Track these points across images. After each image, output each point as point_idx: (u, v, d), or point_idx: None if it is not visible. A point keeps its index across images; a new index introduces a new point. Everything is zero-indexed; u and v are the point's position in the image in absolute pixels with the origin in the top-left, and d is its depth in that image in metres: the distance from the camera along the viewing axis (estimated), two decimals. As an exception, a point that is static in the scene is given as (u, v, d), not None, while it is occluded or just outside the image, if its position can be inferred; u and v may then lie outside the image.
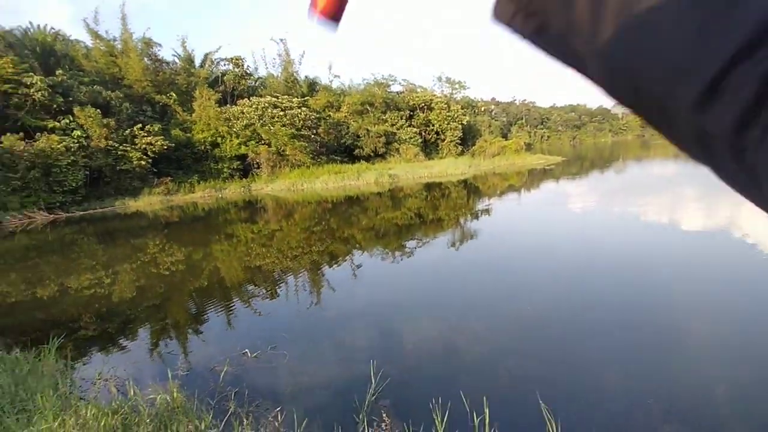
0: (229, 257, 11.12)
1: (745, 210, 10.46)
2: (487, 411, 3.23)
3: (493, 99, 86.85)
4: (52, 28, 29.52)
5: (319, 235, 13.04)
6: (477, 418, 3.26)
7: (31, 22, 30.91)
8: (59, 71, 25.95)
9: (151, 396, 3.74)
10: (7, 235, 17.78)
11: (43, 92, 23.82)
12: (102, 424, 3.11)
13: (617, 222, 11.50)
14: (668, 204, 13.14)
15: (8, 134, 21.67)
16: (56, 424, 3.09)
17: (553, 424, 3.04)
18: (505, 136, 58.54)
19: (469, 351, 4.92)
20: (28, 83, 23.60)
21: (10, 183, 21.10)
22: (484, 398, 3.40)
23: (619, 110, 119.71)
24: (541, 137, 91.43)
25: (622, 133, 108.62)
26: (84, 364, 5.23)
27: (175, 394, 3.68)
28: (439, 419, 3.21)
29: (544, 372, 4.24)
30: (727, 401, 3.63)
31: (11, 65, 23.20)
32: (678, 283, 6.53)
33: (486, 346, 4.99)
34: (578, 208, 14.22)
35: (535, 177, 26.08)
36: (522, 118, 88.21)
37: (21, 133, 22.38)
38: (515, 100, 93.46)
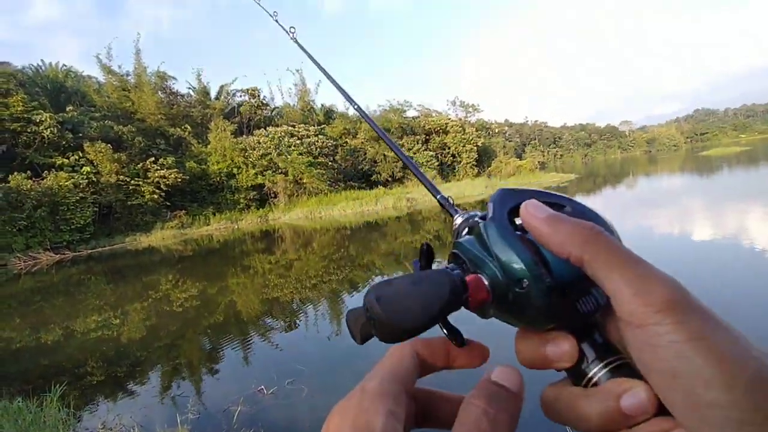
0: (245, 290, 10.75)
1: (752, 219, 10.87)
2: None
3: (506, 121, 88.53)
4: (64, 65, 29.43)
5: (338, 262, 12.53)
6: None
7: (42, 60, 30.92)
8: (69, 107, 25.63)
9: None
10: (11, 277, 16.92)
11: (52, 129, 23.27)
12: None
13: (632, 235, 11.13)
14: (678, 216, 13.21)
15: (15, 174, 20.91)
16: None
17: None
18: (519, 157, 59.72)
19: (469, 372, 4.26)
20: (37, 120, 23.06)
21: (16, 223, 20.15)
22: None
23: (626, 128, 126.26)
24: (554, 156, 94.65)
25: (630, 149, 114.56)
26: (89, 412, 4.98)
27: None
28: None
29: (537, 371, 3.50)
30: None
31: (21, 104, 22.85)
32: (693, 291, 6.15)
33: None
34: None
35: None
36: (535, 138, 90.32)
37: (28, 172, 21.66)
38: (527, 121, 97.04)
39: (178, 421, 4.09)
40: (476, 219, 0.43)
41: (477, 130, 45.09)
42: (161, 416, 4.60)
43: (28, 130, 23.00)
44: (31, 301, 12.39)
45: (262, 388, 4.82)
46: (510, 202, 0.38)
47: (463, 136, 41.28)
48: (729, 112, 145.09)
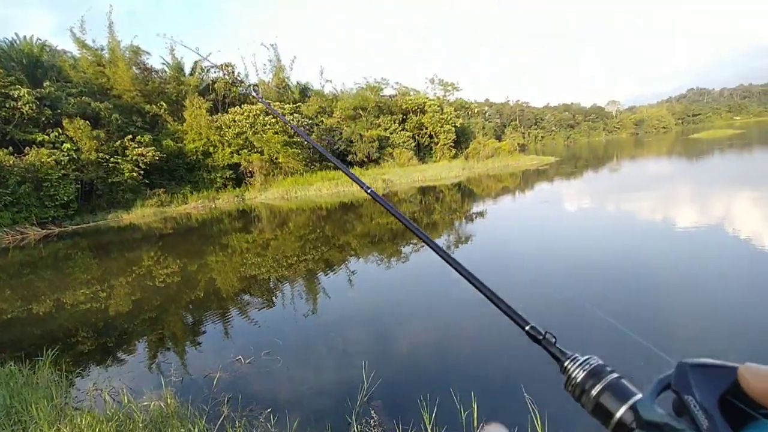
0: (224, 267, 11.08)
1: (738, 206, 10.87)
2: (475, 406, 3.30)
3: (487, 100, 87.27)
4: (39, 39, 29.16)
5: (314, 242, 12.94)
6: (465, 413, 3.33)
7: (17, 34, 30.62)
8: (47, 83, 25.62)
9: (146, 403, 3.77)
10: (0, 251, 17.46)
11: (30, 105, 23.50)
12: (96, 431, 3.15)
13: (609, 220, 11.57)
14: (661, 201, 13.19)
15: (-3, 149, 21.32)
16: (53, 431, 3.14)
17: (537, 416, 3.08)
18: (499, 138, 58.43)
19: (459, 351, 5.04)
20: (15, 96, 23.29)
21: (1, 198, 20.76)
22: (472, 394, 3.48)
23: (613, 108, 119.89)
24: (535, 138, 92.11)
25: (616, 131, 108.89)
26: (79, 376, 5.26)
27: (169, 401, 3.72)
28: (427, 415, 3.28)
29: (529, 368, 4.31)
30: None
31: (-2, 78, 22.88)
32: (672, 277, 6.57)
33: (475, 346, 5.11)
34: (571, 207, 14.22)
35: (529, 178, 25.95)
36: (516, 119, 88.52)
37: (10, 147, 22.11)
38: (509, 100, 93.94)
39: (163, 383, 4.22)
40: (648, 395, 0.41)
41: (455, 110, 44.27)
42: (147, 381, 4.86)
43: (7, 106, 23.18)
44: (20, 274, 12.67)
45: (240, 358, 5.10)
46: (715, 386, 0.35)
47: (441, 116, 40.71)
48: (724, 93, 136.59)
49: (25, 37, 28.85)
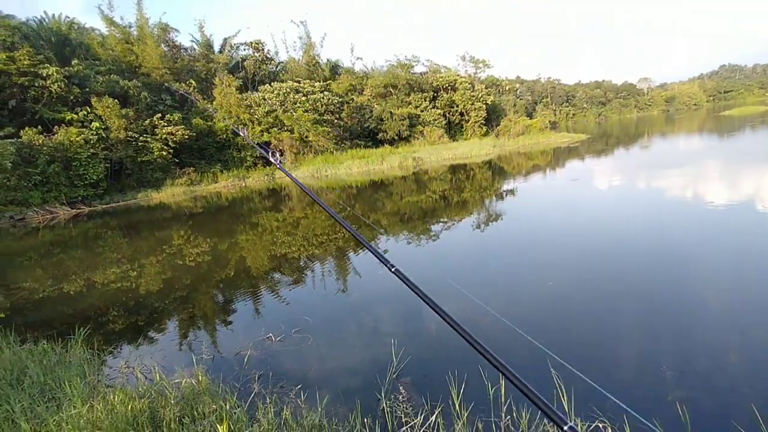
0: (254, 246, 11.02)
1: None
2: (502, 382, 3.25)
3: (518, 77, 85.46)
4: (67, 17, 28.90)
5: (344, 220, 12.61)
6: (492, 389, 3.35)
7: (45, 12, 30.39)
8: (75, 61, 25.38)
9: (177, 380, 3.79)
10: (30, 231, 17.47)
11: (59, 83, 23.22)
12: (129, 408, 3.16)
13: (640, 198, 11.42)
14: (692, 179, 13.05)
15: (27, 128, 21.19)
16: (85, 409, 3.16)
17: (563, 390, 3.07)
18: (530, 115, 58.00)
19: (488, 327, 4.95)
20: (44, 75, 23.04)
21: (31, 178, 20.63)
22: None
23: (645, 85, 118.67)
24: (566, 115, 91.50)
25: (647, 108, 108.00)
26: (111, 354, 5.29)
27: (200, 378, 3.74)
28: (455, 392, 3.26)
29: (557, 343, 4.42)
30: (742, 371, 3.71)
31: (27, 57, 22.66)
32: (701, 257, 6.54)
33: (503, 322, 4.77)
34: (602, 185, 14.14)
35: (560, 156, 25.96)
36: (547, 96, 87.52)
37: (39, 127, 21.92)
38: (540, 77, 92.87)
39: (194, 361, 4.32)
40: None
41: (486, 88, 43.52)
42: (179, 358, 4.90)
43: (36, 84, 22.96)
44: (51, 254, 12.77)
45: (271, 336, 5.11)
46: None
47: (472, 94, 39.97)
48: (757, 69, 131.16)
49: (53, 15, 28.64)
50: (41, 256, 12.53)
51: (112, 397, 3.36)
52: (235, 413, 3.16)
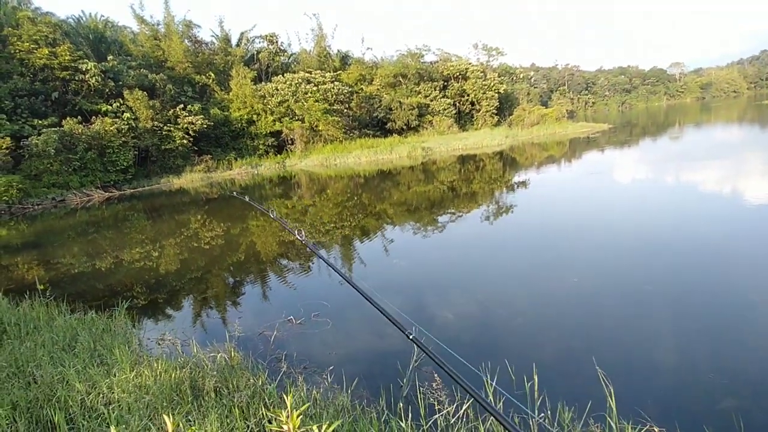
0: (264, 232, 11.65)
1: None
2: (536, 378, 3.20)
3: (533, 65, 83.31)
4: (102, 15, 31.53)
5: (352, 210, 13.36)
6: (528, 383, 3.25)
7: (83, 11, 33.14)
8: (110, 57, 27.91)
9: (212, 354, 3.99)
10: (69, 211, 19.79)
11: (96, 77, 25.80)
12: (172, 376, 3.43)
13: (666, 193, 10.97)
14: (731, 172, 12.38)
15: (68, 118, 23.84)
16: (133, 375, 3.45)
17: (612, 391, 2.87)
18: (545, 104, 56.51)
19: (511, 320, 5.00)
20: (84, 69, 25.61)
21: (71, 163, 23.39)
22: (533, 365, 3.34)
23: (677, 71, 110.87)
24: (585, 104, 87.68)
25: (678, 95, 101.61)
26: (147, 327, 5.80)
27: (232, 354, 3.96)
28: (489, 383, 3.07)
29: (591, 341, 4.35)
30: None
31: (68, 53, 25.26)
32: (742, 256, 6.21)
33: (529, 316, 5.08)
34: (624, 179, 13.60)
35: (577, 147, 25.08)
36: (564, 84, 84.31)
37: (79, 117, 24.59)
38: (557, 64, 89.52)
39: (227, 337, 4.48)
40: None
41: (499, 76, 42.99)
42: (209, 334, 5.28)
43: (76, 78, 25.65)
44: (86, 233, 14.35)
45: (291, 318, 5.30)
46: None
47: (483, 82, 39.71)
48: None
49: (90, 14, 31.28)
50: (78, 235, 14.02)
51: (155, 365, 3.62)
52: (267, 389, 3.32)
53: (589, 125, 38.32)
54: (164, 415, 1.48)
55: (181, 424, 2.44)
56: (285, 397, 1.65)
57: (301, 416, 1.54)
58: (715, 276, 5.70)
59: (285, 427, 1.51)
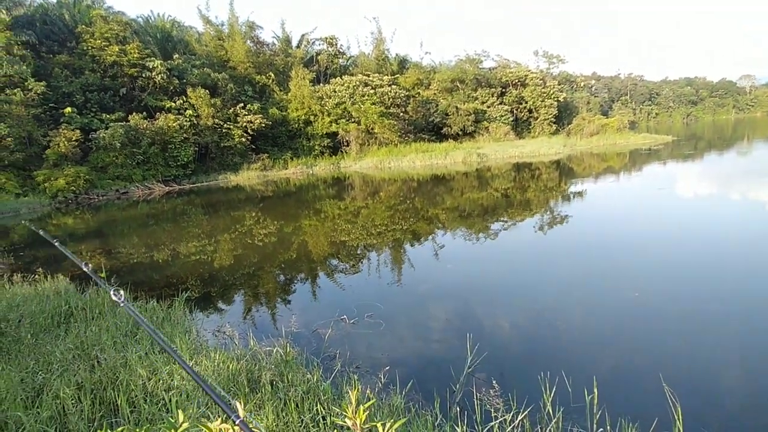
0: (317, 232, 11.69)
1: None
2: (596, 391, 3.11)
3: (594, 73, 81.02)
4: (170, 15, 32.60)
5: (404, 213, 13.22)
6: (588, 396, 3.16)
7: (152, 11, 34.58)
8: (176, 56, 28.68)
9: (268, 348, 4.06)
10: (131, 203, 20.41)
11: (162, 75, 26.47)
12: (229, 367, 3.52)
13: (734, 211, 10.69)
14: None
15: (134, 114, 24.53)
16: (192, 363, 3.50)
17: (678, 408, 2.79)
18: (606, 114, 55.21)
19: (567, 332, 4.91)
20: (151, 67, 26.35)
21: (135, 157, 24.01)
22: (594, 378, 3.25)
23: (747, 83, 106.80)
24: (648, 114, 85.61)
25: (748, 109, 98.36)
26: (204, 319, 5.88)
27: (287, 349, 3.97)
28: (547, 394, 3.13)
29: (654, 357, 4.20)
30: None
31: (137, 51, 26.08)
32: None
33: (586, 329, 5.00)
34: (687, 194, 13.17)
35: (637, 159, 24.42)
36: (626, 94, 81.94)
37: (144, 113, 25.26)
38: (620, 74, 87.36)
39: (284, 333, 4.54)
40: None
41: (559, 84, 42.26)
42: (262, 329, 5.36)
43: (143, 75, 26.39)
44: (146, 224, 14.74)
45: (345, 317, 5.34)
46: None
47: (543, 90, 39.06)
48: None
49: (158, 14, 32.38)
50: (139, 226, 14.49)
51: (213, 355, 3.71)
52: (322, 386, 3.34)
53: (651, 137, 37.46)
54: (236, 401, 1.38)
55: (242, 412, 1.99)
56: (350, 392, 1.65)
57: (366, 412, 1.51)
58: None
59: (349, 422, 1.50)
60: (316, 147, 31.36)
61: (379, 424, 1.51)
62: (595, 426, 2.96)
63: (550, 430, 2.83)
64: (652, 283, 6.15)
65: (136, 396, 3.14)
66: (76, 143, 22.11)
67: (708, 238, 8.33)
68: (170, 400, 2.99)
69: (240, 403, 1.43)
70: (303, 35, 37.67)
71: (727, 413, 3.34)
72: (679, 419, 2.71)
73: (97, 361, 3.77)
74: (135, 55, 25.90)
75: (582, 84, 52.99)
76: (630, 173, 19.23)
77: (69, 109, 23.20)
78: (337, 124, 31.33)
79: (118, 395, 3.07)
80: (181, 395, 3.07)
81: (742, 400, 3.56)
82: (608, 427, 2.94)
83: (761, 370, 3.91)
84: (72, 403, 3.05)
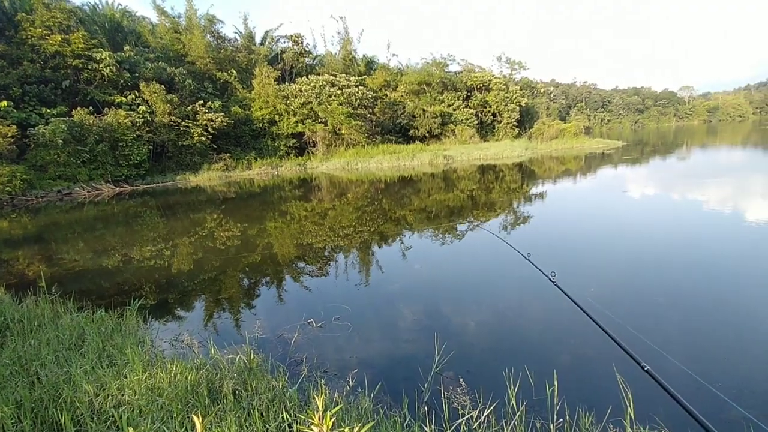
0: (282, 233, 11.20)
1: None
2: (556, 383, 3.15)
3: (553, 80, 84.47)
4: (120, 4, 30.42)
5: (371, 215, 12.87)
6: (549, 389, 3.20)
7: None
8: (127, 47, 26.72)
9: (230, 356, 3.87)
10: (76, 205, 18.55)
11: (111, 68, 24.54)
12: (187, 378, 3.30)
13: (676, 209, 11.07)
14: (731, 192, 12.57)
15: (79, 108, 22.48)
16: (145, 376, 3.29)
17: (630, 399, 2.83)
18: (563, 119, 57.22)
19: (529, 329, 5.03)
20: (98, 59, 24.36)
21: (80, 155, 21.93)
22: (554, 371, 3.32)
23: (686, 94, 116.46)
24: (601, 121, 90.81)
25: (687, 118, 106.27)
26: (161, 329, 5.45)
27: (251, 356, 3.80)
28: (512, 388, 3.14)
29: (604, 349, 4.22)
30: None
31: (82, 41, 24.02)
32: (742, 267, 6.40)
33: (547, 325, 5.10)
34: (636, 194, 13.62)
35: (592, 162, 25.48)
36: (582, 101, 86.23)
37: (90, 107, 23.21)
38: (576, 81, 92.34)
39: (247, 338, 4.33)
40: None
41: (521, 89, 43.14)
42: (226, 336, 5.07)
43: (89, 68, 24.37)
44: (93, 228, 13.36)
45: (312, 321, 5.20)
46: None
47: (506, 95, 39.85)
48: None
49: (107, 2, 30.11)
50: (84, 230, 13.15)
51: (170, 366, 3.49)
52: (288, 392, 3.24)
53: (604, 141, 39.21)
54: (194, 415, 1.36)
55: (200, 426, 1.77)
56: (316, 399, 1.63)
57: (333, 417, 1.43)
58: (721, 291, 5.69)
59: (315, 429, 1.47)
60: (282, 147, 30.23)
61: (347, 429, 1.56)
62: (555, 416, 3.01)
63: (514, 423, 2.91)
64: (606, 278, 6.41)
65: (82, 414, 2.94)
66: (12, 140, 20.03)
67: (654, 233, 8.77)
68: (120, 417, 2.81)
69: (198, 416, 1.45)
70: (267, 32, 36.59)
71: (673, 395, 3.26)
72: (630, 405, 2.81)
73: (37, 378, 3.51)
74: (80, 45, 23.89)
75: (542, 90, 54.42)
76: (585, 175, 19.93)
77: (4, 102, 21.10)
78: (303, 124, 30.33)
79: (62, 413, 2.87)
80: (132, 411, 2.90)
81: (685, 382, 3.62)
82: (567, 417, 3.04)
83: (703, 357, 4.11)
84: (12, 423, 2.86)
